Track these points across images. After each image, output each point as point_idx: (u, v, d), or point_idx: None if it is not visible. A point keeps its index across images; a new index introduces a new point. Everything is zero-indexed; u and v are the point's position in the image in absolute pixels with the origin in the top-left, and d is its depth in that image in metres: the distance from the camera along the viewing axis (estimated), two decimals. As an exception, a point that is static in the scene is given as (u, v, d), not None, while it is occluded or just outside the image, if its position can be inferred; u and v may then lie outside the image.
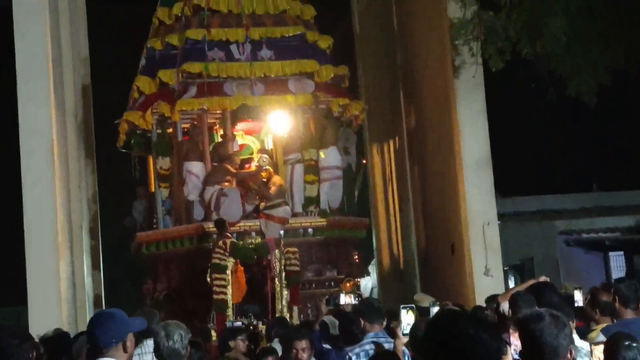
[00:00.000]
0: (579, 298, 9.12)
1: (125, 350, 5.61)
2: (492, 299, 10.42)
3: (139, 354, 7.52)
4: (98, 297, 19.75)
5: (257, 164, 16.93)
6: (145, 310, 9.96)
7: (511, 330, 7.25)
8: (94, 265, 19.81)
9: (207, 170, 16.87)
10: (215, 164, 16.99)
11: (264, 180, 16.66)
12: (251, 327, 13.82)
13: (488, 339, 4.00)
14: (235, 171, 16.70)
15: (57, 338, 7.73)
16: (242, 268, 15.02)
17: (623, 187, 23.61)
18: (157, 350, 6.68)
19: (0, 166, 24.30)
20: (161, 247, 16.82)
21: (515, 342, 7.01)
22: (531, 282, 7.93)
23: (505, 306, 8.01)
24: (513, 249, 20.89)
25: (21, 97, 15.95)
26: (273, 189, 16.47)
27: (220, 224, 15.46)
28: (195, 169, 16.82)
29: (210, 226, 16.06)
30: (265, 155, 17.23)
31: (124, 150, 18.32)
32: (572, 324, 8.49)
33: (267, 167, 16.86)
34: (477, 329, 4.01)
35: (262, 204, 16.54)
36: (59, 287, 15.73)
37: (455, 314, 4.14)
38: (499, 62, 15.45)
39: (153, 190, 17.99)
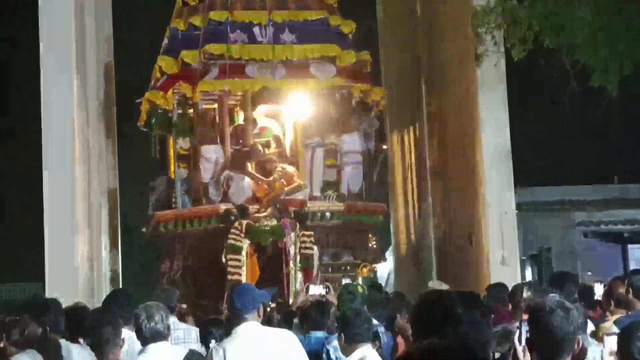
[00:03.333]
0: (599, 291, 9.04)
1: (259, 315, 6.91)
2: (494, 288, 10.38)
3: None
4: (115, 275, 19.82)
5: (273, 177, 16.78)
6: (166, 288, 9.97)
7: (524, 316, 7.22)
8: (112, 243, 19.86)
9: (225, 152, 16.88)
10: (236, 147, 17.01)
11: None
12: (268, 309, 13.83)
13: (476, 317, 3.96)
14: (252, 173, 16.64)
15: (76, 310, 7.72)
16: (255, 253, 15.09)
17: (645, 180, 23.46)
18: (139, 331, 6.73)
19: (20, 143, 24.42)
20: (179, 226, 16.84)
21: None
22: None
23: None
24: (531, 239, 20.80)
25: (44, 74, 15.99)
26: (293, 181, 16.50)
27: (242, 210, 15.54)
28: (209, 152, 16.83)
29: (228, 207, 16.11)
30: (281, 167, 16.96)
31: (144, 130, 18.33)
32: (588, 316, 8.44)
33: (282, 180, 16.74)
34: (466, 308, 3.97)
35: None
36: (77, 264, 15.81)
37: (443, 294, 4.10)
38: (521, 52, 15.36)
39: (172, 170, 18.02)
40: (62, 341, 6.72)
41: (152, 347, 6.68)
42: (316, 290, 10.30)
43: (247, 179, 16.51)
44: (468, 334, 3.92)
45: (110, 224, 19.89)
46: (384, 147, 21.51)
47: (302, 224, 15.34)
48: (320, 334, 8.47)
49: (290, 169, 16.85)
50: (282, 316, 10.34)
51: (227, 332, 7.94)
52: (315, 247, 15.27)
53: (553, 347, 4.75)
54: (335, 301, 9.40)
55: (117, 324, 6.75)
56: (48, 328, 6.77)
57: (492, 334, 5.08)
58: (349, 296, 8.55)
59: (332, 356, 7.90)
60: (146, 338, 6.71)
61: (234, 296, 6.96)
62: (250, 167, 16.71)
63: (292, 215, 15.70)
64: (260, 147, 16.97)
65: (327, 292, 9.27)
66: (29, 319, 6.85)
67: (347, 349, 7.14)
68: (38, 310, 6.92)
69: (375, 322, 8.30)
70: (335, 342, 7.70)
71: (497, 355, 6.66)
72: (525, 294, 7.77)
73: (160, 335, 6.71)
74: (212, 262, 15.80)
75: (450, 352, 3.01)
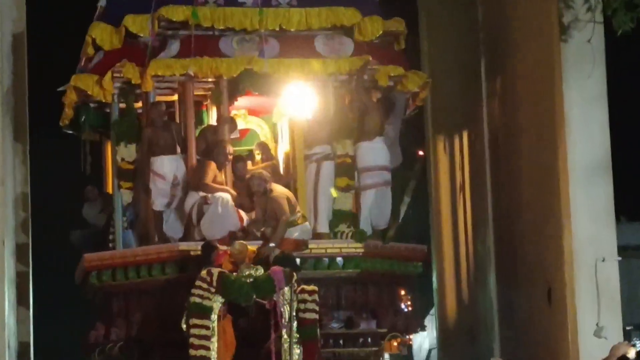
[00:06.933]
0: None
1: None
2: None
3: None
4: (25, 346, 19.83)
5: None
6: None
7: None
8: (20, 300, 19.89)
9: (188, 166, 16.95)
10: (198, 158, 17.09)
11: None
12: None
13: None
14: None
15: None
16: (230, 315, 15.18)
17: None
18: None
19: None
20: (118, 276, 16.89)
21: None
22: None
23: None
24: (640, 300, 20.89)
25: None
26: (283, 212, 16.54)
27: (208, 250, 15.59)
28: (162, 166, 16.89)
29: (192, 248, 16.19)
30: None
31: (70, 132, 18.41)
32: None
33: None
34: None
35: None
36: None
37: None
38: (628, 22, 15.47)
39: (111, 191, 18.09)
40: None
41: None
42: None
43: (230, 203, 16.55)
44: None
45: (18, 270, 19.92)
46: (421, 152, 21.61)
47: (300, 275, 15.40)
48: None
49: (283, 190, 16.82)
50: None
51: None
52: (318, 309, 15.33)
53: None
54: None
55: None
56: None
57: None
58: None
59: None
60: None
61: None
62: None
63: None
64: (230, 148, 17.03)
65: None
66: None
67: None
68: None
69: None
70: None
71: None
72: None
73: None
74: (168, 329, 15.87)
75: None
